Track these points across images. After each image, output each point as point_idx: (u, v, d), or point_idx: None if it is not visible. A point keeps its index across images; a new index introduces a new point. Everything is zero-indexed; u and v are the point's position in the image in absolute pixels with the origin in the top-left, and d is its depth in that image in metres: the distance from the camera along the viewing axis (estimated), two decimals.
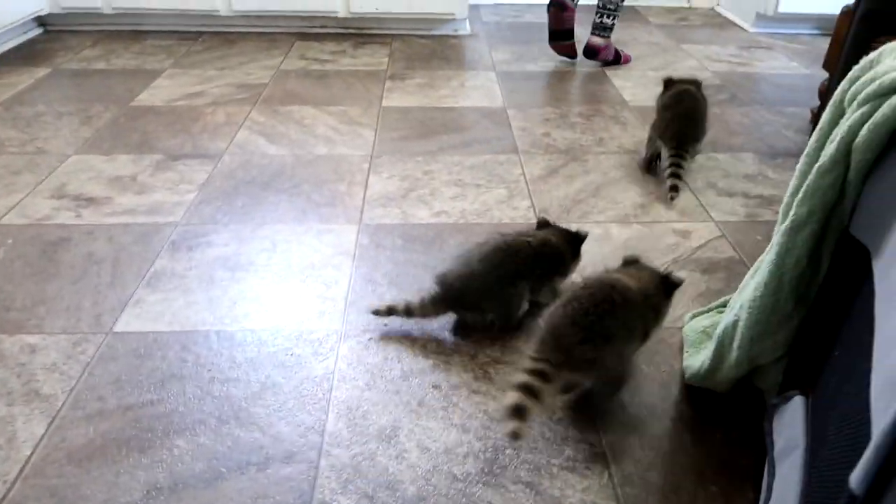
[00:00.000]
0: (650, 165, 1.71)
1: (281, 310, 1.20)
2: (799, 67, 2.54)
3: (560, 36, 2.44)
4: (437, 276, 1.14)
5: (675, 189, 1.57)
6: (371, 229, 1.45)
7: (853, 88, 0.70)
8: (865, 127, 0.66)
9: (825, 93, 1.98)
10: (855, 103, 0.68)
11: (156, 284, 1.26)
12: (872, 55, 0.70)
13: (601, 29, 2.40)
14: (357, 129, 1.93)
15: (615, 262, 1.34)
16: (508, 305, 1.14)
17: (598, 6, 2.37)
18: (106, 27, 2.78)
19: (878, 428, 0.46)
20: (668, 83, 1.78)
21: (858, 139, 0.67)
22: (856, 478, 0.43)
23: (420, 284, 1.27)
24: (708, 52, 2.69)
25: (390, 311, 1.13)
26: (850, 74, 0.72)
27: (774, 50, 2.75)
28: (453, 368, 1.07)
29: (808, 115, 2.07)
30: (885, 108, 0.63)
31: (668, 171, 1.60)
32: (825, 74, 2.40)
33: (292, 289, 1.26)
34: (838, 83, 1.43)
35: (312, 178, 1.65)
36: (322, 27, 2.86)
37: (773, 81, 2.39)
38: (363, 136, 1.89)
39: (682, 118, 1.65)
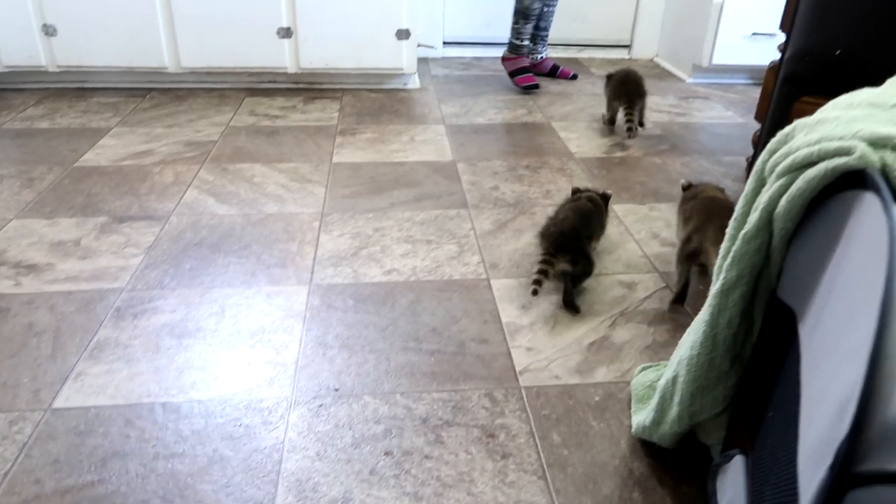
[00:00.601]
0: (612, 124, 2.46)
1: (229, 378, 1.18)
2: (734, 116, 2.66)
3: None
4: (544, 235, 1.46)
5: (630, 130, 2.31)
6: (322, 290, 1.44)
7: (771, 160, 0.74)
8: (784, 198, 0.70)
9: (758, 143, 2.07)
10: (773, 175, 0.72)
11: (99, 356, 1.22)
12: (787, 129, 0.74)
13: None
14: (307, 187, 1.93)
15: (565, 316, 1.36)
16: (588, 250, 1.48)
17: None
18: (51, 85, 2.76)
19: (805, 501, 0.48)
20: (610, 76, 2.46)
21: (778, 209, 0.71)
22: None
23: (372, 346, 1.27)
24: (649, 103, 2.78)
25: (539, 283, 1.36)
26: (768, 146, 0.76)
27: (711, 99, 2.88)
28: (405, 433, 1.07)
29: (744, 164, 2.16)
30: (800, 181, 0.67)
31: (626, 121, 2.32)
32: (758, 124, 2.52)
33: (241, 355, 1.24)
34: (769, 135, 1.50)
35: (262, 238, 1.65)
36: (272, 82, 2.88)
37: (710, 131, 2.49)
38: (314, 193, 1.90)
39: (629, 84, 2.34)
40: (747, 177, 2.10)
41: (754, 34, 2.96)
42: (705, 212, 1.40)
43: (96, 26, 2.61)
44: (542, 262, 1.39)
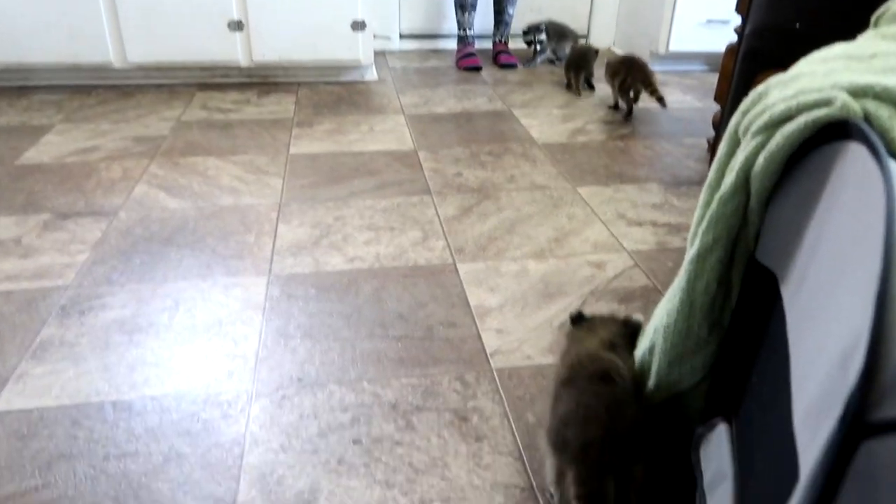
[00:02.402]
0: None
1: (185, 373, 1.12)
2: (693, 101, 2.68)
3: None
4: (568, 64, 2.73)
5: (591, 88, 2.79)
6: (282, 280, 1.39)
7: (745, 119, 0.71)
8: (761, 156, 0.67)
9: (718, 123, 2.08)
10: (749, 134, 0.69)
11: (42, 356, 1.14)
12: (760, 88, 0.72)
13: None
14: (264, 178, 1.87)
15: (535, 297, 1.33)
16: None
17: None
18: None
19: (806, 462, 0.45)
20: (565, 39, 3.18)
21: (756, 168, 0.68)
22: None
23: (336, 334, 1.21)
24: (608, 90, 2.79)
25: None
26: (741, 107, 0.74)
27: (669, 85, 2.89)
28: (374, 420, 1.02)
29: (705, 145, 2.17)
30: (778, 137, 0.65)
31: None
32: (716, 107, 2.53)
33: (197, 349, 1.17)
34: (730, 114, 1.49)
35: (217, 230, 1.58)
36: (224, 77, 2.79)
37: (670, 115, 2.49)
38: (271, 184, 1.83)
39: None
40: (709, 156, 2.10)
41: (709, 21, 2.98)
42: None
43: (36, 22, 2.49)
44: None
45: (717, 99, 2.10)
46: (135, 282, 1.37)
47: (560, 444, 0.81)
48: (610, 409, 0.82)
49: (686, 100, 2.69)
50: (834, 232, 0.56)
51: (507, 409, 1.05)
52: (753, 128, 0.70)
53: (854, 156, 0.56)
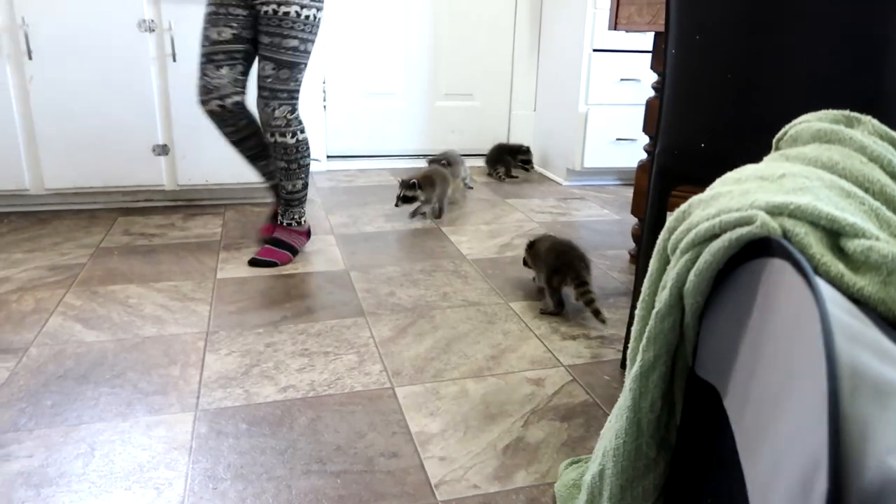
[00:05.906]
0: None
1: None
2: (610, 214, 2.81)
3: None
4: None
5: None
6: (210, 415, 1.30)
7: (673, 238, 0.75)
8: (692, 272, 0.70)
9: (638, 236, 2.18)
10: (678, 252, 0.72)
11: None
12: (683, 207, 0.76)
13: None
14: (190, 305, 1.80)
15: (476, 419, 1.30)
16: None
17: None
18: None
19: None
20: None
21: (687, 284, 0.70)
22: None
23: (270, 473, 1.14)
24: (531, 205, 2.90)
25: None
26: (667, 224, 0.77)
27: (587, 200, 3.03)
28: None
29: (627, 257, 2.25)
30: (706, 254, 0.67)
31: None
32: (634, 219, 2.67)
33: (115, 500, 1.07)
34: (651, 228, 1.56)
35: (139, 364, 1.49)
36: (147, 201, 2.75)
37: (591, 228, 2.60)
38: (197, 311, 1.77)
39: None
40: (633, 268, 2.17)
41: (618, 139, 3.20)
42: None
43: None
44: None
45: (634, 212, 2.21)
46: (44, 426, 1.26)
47: (555, 267, 1.78)
48: (575, 247, 1.82)
49: (604, 213, 2.82)
50: (772, 348, 0.58)
51: None
52: (682, 245, 0.73)
53: (780, 271, 0.59)
